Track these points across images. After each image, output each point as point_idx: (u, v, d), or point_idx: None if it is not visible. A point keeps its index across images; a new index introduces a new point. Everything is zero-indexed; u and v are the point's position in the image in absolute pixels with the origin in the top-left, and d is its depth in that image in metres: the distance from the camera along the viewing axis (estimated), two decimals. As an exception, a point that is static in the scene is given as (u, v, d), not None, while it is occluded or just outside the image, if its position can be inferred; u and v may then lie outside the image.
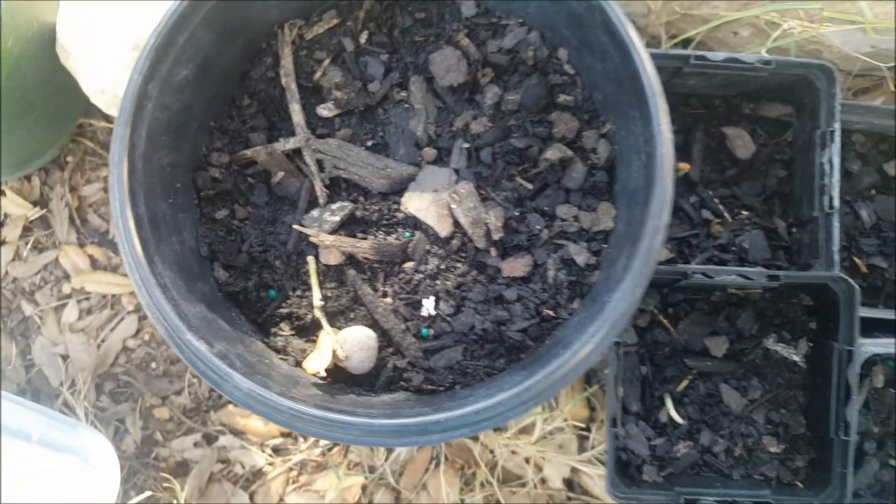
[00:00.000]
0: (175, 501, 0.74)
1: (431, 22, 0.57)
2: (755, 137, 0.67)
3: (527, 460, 0.75)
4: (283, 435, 0.78)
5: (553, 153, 0.53)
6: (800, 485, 0.61)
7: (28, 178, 0.84)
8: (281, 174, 0.55)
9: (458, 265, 0.53)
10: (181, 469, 0.77)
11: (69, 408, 0.78)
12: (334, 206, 0.54)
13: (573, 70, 0.54)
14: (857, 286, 0.58)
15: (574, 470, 0.74)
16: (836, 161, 0.62)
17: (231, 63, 0.55)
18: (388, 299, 0.53)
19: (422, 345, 0.52)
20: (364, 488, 0.76)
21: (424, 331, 0.52)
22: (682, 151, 0.67)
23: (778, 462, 0.62)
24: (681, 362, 0.63)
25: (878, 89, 0.82)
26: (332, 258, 0.53)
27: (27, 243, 0.83)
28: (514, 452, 0.75)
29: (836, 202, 0.61)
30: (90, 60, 0.68)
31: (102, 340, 0.81)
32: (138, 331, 0.81)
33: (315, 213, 0.54)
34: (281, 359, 0.52)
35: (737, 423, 0.62)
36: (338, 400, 0.49)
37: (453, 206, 0.53)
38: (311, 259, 0.53)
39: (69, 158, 0.84)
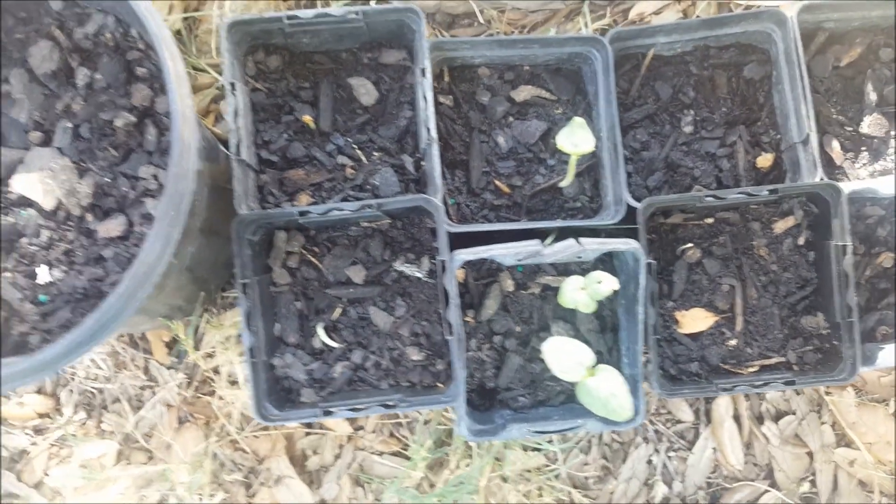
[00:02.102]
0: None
1: (29, 20, 0.60)
2: (382, 84, 0.71)
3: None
4: (40, 416, 0.82)
5: (121, 120, 0.57)
6: (440, 385, 0.67)
7: None
8: None
9: (66, 234, 0.57)
10: (-54, 460, 0.82)
11: None
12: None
13: (145, 45, 0.59)
14: (437, 207, 0.62)
15: None
16: (429, 95, 0.65)
17: None
18: (8, 273, 0.57)
19: (39, 309, 0.57)
20: (119, 453, 0.81)
21: (42, 297, 0.57)
22: (312, 105, 0.71)
23: (421, 368, 0.67)
24: (331, 293, 0.67)
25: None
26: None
27: None
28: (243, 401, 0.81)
29: (433, 133, 0.65)
30: None
31: None
32: None
33: None
34: None
35: (385, 340, 0.67)
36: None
37: (49, 180, 0.57)
38: None
39: None
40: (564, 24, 0.88)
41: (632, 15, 0.88)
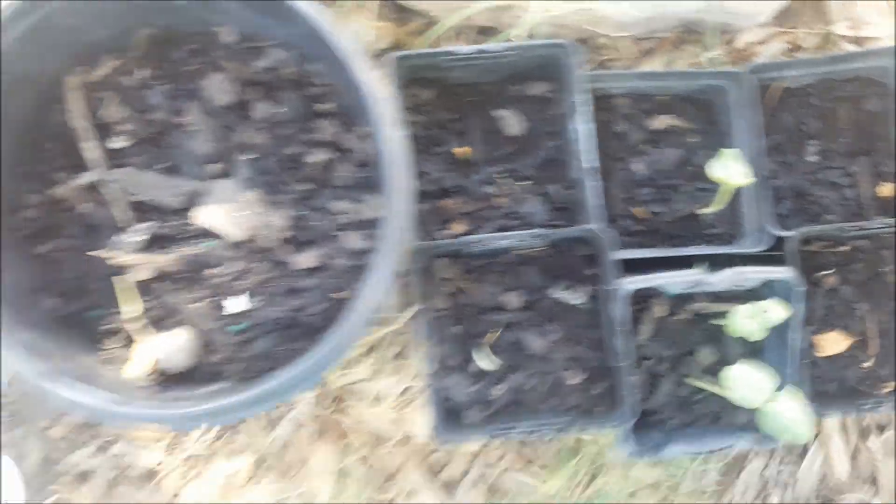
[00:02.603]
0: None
1: (200, 52, 0.61)
2: (527, 114, 0.73)
3: (394, 420, 0.82)
4: (171, 435, 0.83)
5: (316, 156, 0.58)
6: (598, 409, 0.68)
7: None
8: (86, 206, 0.59)
9: (256, 265, 0.57)
10: (82, 479, 0.81)
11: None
12: (138, 228, 0.58)
13: (328, 81, 0.59)
14: (604, 236, 0.65)
15: None
16: (583, 127, 0.67)
17: (27, 112, 0.58)
18: (198, 303, 0.57)
19: (234, 339, 0.57)
20: (253, 470, 0.82)
21: (235, 327, 0.58)
22: (462, 136, 0.72)
23: (578, 392, 0.69)
24: (486, 318, 0.69)
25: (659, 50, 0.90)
26: (143, 274, 0.57)
27: None
28: (378, 417, 0.82)
29: (590, 164, 0.67)
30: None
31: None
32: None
33: (120, 236, 0.58)
34: (109, 370, 0.57)
35: (541, 363, 0.69)
36: (160, 397, 0.54)
37: (241, 212, 0.57)
38: (114, 279, 0.57)
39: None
40: (672, 52, 0.91)
41: (738, 45, 0.91)
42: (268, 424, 0.84)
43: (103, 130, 0.60)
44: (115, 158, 0.60)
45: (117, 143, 0.59)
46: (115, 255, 0.56)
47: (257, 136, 0.59)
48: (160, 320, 0.56)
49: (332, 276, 0.57)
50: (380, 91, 0.51)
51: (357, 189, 0.59)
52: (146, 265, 0.56)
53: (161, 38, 0.60)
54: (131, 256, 0.56)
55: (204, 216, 0.57)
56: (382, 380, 0.83)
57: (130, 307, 0.56)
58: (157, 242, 0.58)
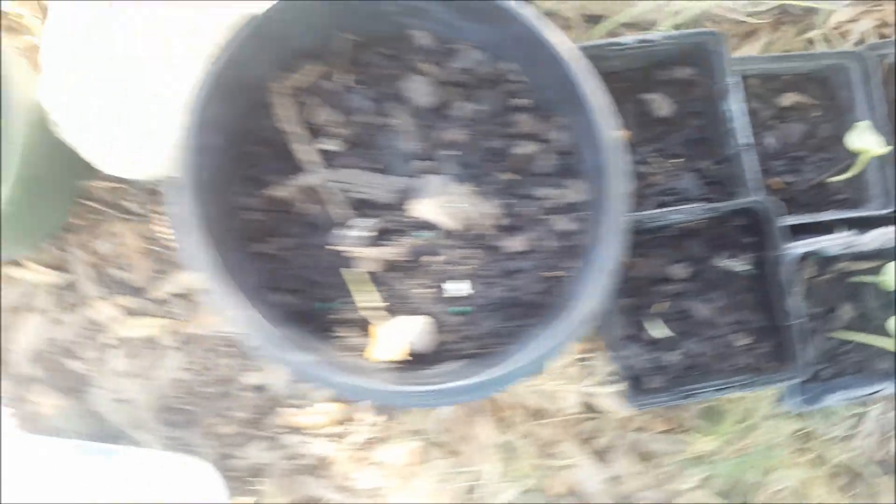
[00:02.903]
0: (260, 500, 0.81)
1: (396, 56, 0.64)
2: (673, 97, 0.77)
3: (542, 394, 0.87)
4: (338, 423, 0.86)
5: (521, 149, 0.62)
6: (768, 367, 0.74)
7: (35, 246, 0.87)
8: (305, 205, 0.62)
9: (471, 251, 0.61)
10: (257, 472, 0.84)
11: (142, 445, 0.83)
12: (360, 223, 0.61)
13: (524, 78, 0.63)
14: (770, 205, 0.70)
15: (586, 394, 0.86)
16: (736, 107, 0.73)
17: (239, 119, 0.60)
18: (423, 290, 0.61)
19: (460, 320, 0.61)
20: (418, 451, 0.85)
21: (458, 308, 0.61)
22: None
23: (747, 353, 0.74)
24: (654, 290, 0.74)
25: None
26: (370, 265, 0.61)
27: (58, 307, 0.87)
28: (534, 392, 0.87)
29: (745, 140, 0.72)
30: (90, 133, 0.72)
31: (153, 378, 0.86)
32: (184, 363, 0.87)
33: (344, 231, 0.61)
34: (346, 356, 0.60)
35: (709, 329, 0.74)
36: (405, 376, 0.57)
37: (452, 204, 0.61)
38: (345, 271, 0.60)
39: (76, 220, 0.87)
40: (772, 34, 0.96)
41: (830, 24, 0.97)
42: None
43: (312, 133, 0.63)
44: (327, 159, 0.63)
45: (327, 144, 0.62)
46: (349, 248, 0.59)
47: (459, 132, 0.62)
48: (392, 307, 0.60)
49: (543, 257, 0.61)
50: (595, 86, 0.55)
51: (557, 176, 0.62)
52: (373, 257, 0.59)
53: (359, 44, 0.63)
54: (363, 249, 0.59)
55: (419, 209, 0.61)
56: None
57: (366, 296, 0.59)
58: (379, 235, 0.61)
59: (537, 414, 0.87)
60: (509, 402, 0.87)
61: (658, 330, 0.72)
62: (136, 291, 0.88)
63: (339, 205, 0.61)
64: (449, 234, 0.61)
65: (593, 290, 0.54)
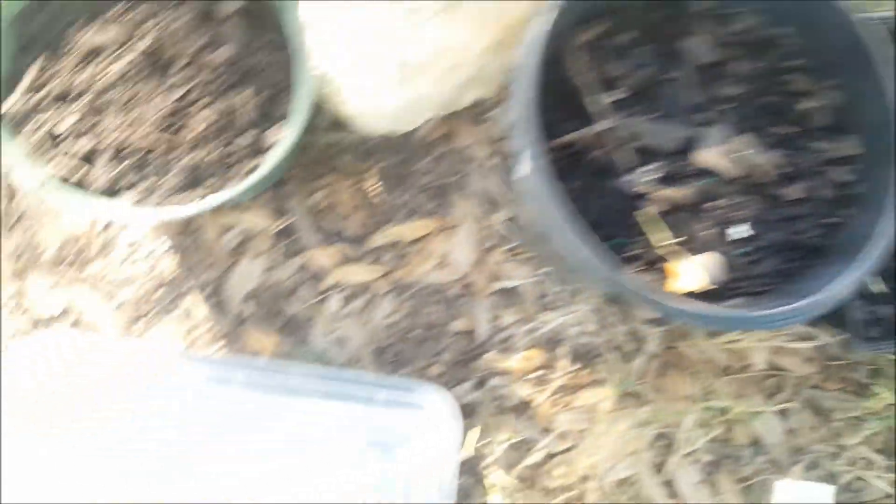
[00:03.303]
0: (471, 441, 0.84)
1: (673, 18, 0.69)
2: None
3: (731, 352, 0.92)
4: (539, 369, 0.90)
5: (798, 104, 0.67)
6: None
7: (256, 196, 0.91)
8: (596, 151, 0.67)
9: (750, 197, 0.67)
10: (466, 411, 0.88)
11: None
12: (648, 168, 0.66)
13: (798, 40, 0.69)
14: None
15: (776, 350, 0.91)
16: None
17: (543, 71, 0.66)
18: (707, 231, 0.66)
19: (743, 260, 0.66)
20: (615, 401, 0.90)
21: (740, 250, 0.66)
22: None
23: None
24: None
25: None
26: (659, 207, 0.65)
27: (276, 252, 0.90)
28: (723, 350, 0.91)
29: None
30: (347, 83, 0.75)
31: (367, 322, 0.90)
32: (395, 309, 0.90)
33: (633, 176, 0.66)
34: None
35: None
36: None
37: (733, 154, 0.66)
38: (640, 212, 0.65)
39: (295, 171, 0.90)
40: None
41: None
42: (622, 357, 0.92)
43: (601, 85, 0.68)
44: (614, 109, 0.67)
45: (615, 96, 0.67)
46: (638, 191, 0.64)
47: (736, 88, 0.68)
48: (682, 246, 0.64)
49: (819, 205, 0.66)
50: (885, 51, 0.61)
51: (832, 131, 0.68)
52: (663, 199, 0.64)
53: (644, 6, 0.68)
54: (653, 191, 0.64)
55: (702, 157, 0.66)
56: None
57: (659, 235, 0.63)
58: (665, 181, 0.66)
59: (726, 370, 0.92)
60: (699, 357, 0.92)
61: (877, 285, 0.77)
62: (350, 241, 0.92)
63: (626, 151, 0.66)
64: (730, 181, 0.66)
65: (880, 237, 0.59)
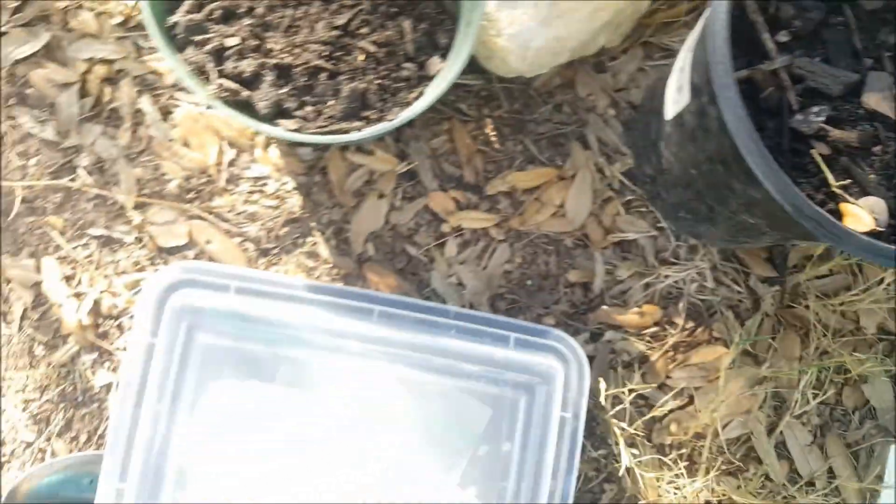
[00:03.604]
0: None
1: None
2: None
3: (843, 314, 0.91)
4: (655, 324, 0.89)
5: None
6: None
7: (382, 138, 0.90)
8: (767, 90, 0.66)
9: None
10: (582, 362, 0.88)
11: (478, 326, 0.86)
12: (814, 110, 0.65)
13: None
14: None
15: (891, 311, 0.90)
16: None
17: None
18: (876, 175, 0.65)
19: None
20: (730, 358, 0.89)
21: None
22: None
23: None
24: None
25: None
26: (824, 149, 0.64)
27: (397, 194, 0.89)
28: (835, 311, 0.90)
29: None
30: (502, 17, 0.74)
31: (484, 267, 0.89)
32: (511, 256, 0.90)
33: (799, 116, 0.65)
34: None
35: None
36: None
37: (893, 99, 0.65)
38: (813, 152, 0.64)
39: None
40: None
41: None
42: (737, 316, 0.91)
43: (773, 25, 0.66)
44: (784, 50, 0.66)
45: (783, 37, 0.66)
46: (807, 131, 0.62)
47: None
48: (851, 187, 0.63)
49: None
50: None
51: None
52: (833, 140, 0.63)
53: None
54: (831, 133, 0.63)
55: (867, 101, 0.64)
56: (840, 279, 0.91)
57: (830, 176, 0.62)
58: (833, 123, 0.65)
59: (838, 332, 0.91)
60: (813, 319, 0.91)
61: None
62: (468, 187, 0.91)
63: (794, 91, 0.65)
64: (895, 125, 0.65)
65: None
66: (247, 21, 0.65)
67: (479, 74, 0.88)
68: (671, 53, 0.90)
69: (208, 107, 0.83)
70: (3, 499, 0.68)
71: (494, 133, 0.90)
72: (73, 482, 0.72)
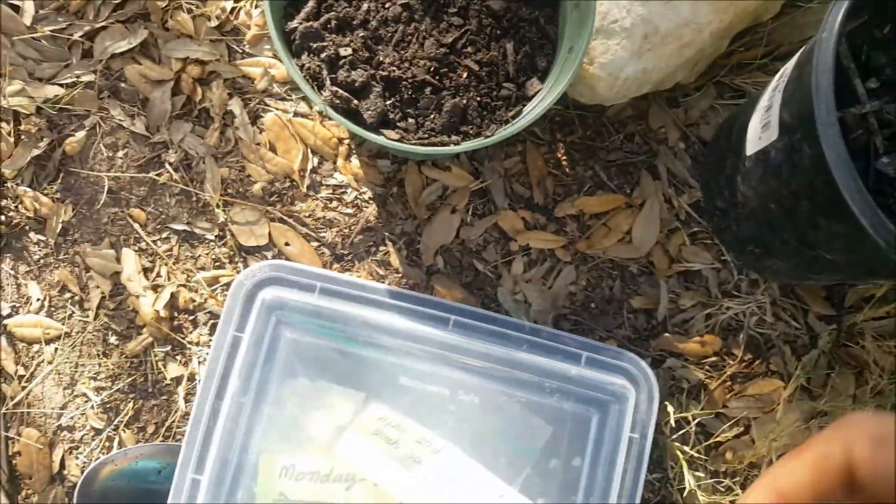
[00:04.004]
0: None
1: None
2: None
3: (897, 358, 0.91)
4: (714, 354, 0.90)
5: None
6: None
7: (457, 156, 0.92)
8: (857, 132, 0.68)
9: None
10: (643, 386, 0.88)
11: (543, 344, 0.87)
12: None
13: None
14: None
15: None
16: None
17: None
18: None
19: None
20: (786, 391, 0.90)
21: None
22: None
23: None
24: None
25: None
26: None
27: (469, 211, 0.91)
28: (891, 354, 0.91)
29: None
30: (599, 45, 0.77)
31: (550, 287, 0.90)
32: (576, 278, 0.91)
33: (885, 159, 0.67)
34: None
35: None
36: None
37: None
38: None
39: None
40: None
41: None
42: (792, 352, 0.92)
43: (863, 72, 0.69)
44: (873, 96, 0.68)
45: (871, 84, 0.68)
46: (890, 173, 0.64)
47: None
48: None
49: None
50: None
51: None
52: (918, 186, 0.65)
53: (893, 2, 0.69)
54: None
55: (953, 151, 0.67)
56: (897, 320, 0.92)
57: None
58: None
59: (893, 374, 0.91)
60: (866, 359, 0.91)
61: None
62: (537, 208, 0.92)
63: (881, 135, 0.67)
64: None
65: None
66: (360, 33, 0.67)
67: (558, 100, 0.91)
68: (743, 94, 0.92)
69: (320, 112, 0.85)
70: (80, 481, 0.68)
71: (566, 157, 0.92)
72: (145, 471, 0.72)
